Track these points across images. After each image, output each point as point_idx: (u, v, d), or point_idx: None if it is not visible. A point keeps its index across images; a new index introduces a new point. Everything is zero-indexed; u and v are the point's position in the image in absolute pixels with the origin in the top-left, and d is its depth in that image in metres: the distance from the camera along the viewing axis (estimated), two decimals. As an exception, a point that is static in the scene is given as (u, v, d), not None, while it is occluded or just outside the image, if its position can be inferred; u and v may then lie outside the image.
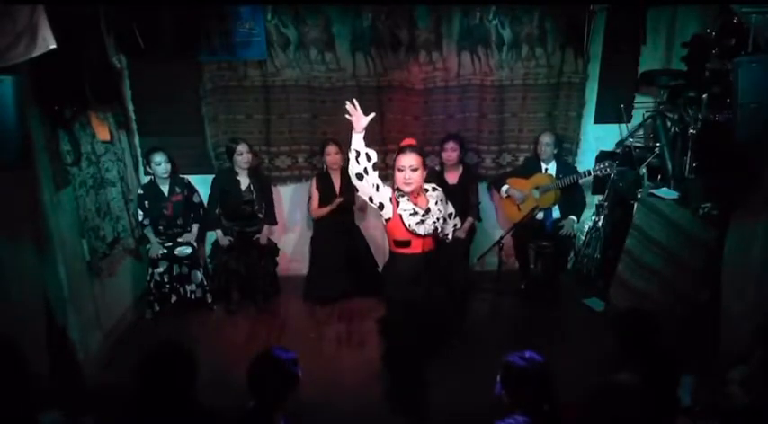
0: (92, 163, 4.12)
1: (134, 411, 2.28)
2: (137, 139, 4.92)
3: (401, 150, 3.18)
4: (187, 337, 4.39)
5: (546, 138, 4.75)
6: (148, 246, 4.62)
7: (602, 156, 5.01)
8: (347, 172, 4.82)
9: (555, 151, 4.78)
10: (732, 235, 3.39)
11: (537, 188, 4.75)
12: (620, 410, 2.03)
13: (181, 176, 4.77)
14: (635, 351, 2.58)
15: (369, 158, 3.07)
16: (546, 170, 4.81)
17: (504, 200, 4.92)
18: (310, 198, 4.98)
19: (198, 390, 2.34)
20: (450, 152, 4.74)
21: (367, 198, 3.15)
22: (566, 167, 4.84)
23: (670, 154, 4.60)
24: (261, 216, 4.80)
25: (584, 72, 4.91)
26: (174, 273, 4.67)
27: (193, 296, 4.75)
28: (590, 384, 2.20)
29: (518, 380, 2.25)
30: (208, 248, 4.94)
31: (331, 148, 4.77)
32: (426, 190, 3.29)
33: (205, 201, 4.83)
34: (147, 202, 4.63)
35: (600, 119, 5.10)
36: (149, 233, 4.63)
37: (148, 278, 4.61)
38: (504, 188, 4.84)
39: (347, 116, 3.03)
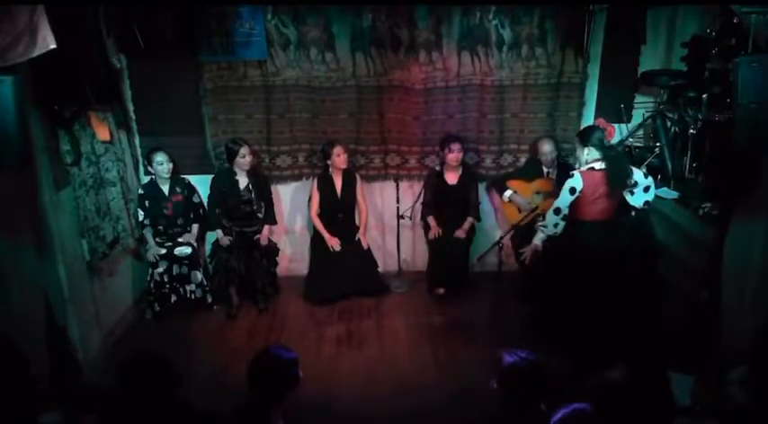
0: (92, 163, 4.12)
1: (129, 417, 2.29)
2: (137, 139, 4.92)
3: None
4: (186, 337, 4.40)
5: (546, 147, 4.74)
6: (147, 247, 4.62)
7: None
8: (349, 173, 4.90)
9: (555, 154, 4.78)
10: (732, 235, 3.39)
11: (538, 193, 4.74)
12: (611, 407, 2.03)
13: (181, 176, 4.77)
14: (626, 349, 2.60)
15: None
16: (548, 173, 4.80)
17: (504, 203, 4.92)
18: (310, 198, 4.99)
19: (193, 393, 2.35)
20: (457, 153, 4.76)
21: None
22: (568, 170, 4.82)
23: (670, 154, 4.60)
24: (260, 215, 4.79)
25: (584, 72, 4.91)
26: (174, 273, 4.66)
27: (193, 296, 4.74)
28: (583, 382, 2.21)
29: (507, 375, 2.26)
30: (208, 248, 4.94)
31: (339, 149, 4.78)
32: None
33: (205, 201, 4.83)
34: (147, 202, 4.63)
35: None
36: (148, 234, 4.62)
37: (148, 278, 4.61)
38: (508, 193, 4.82)
39: None
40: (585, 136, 3.79)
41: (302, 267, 5.23)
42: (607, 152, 3.80)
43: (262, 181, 4.84)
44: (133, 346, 4.16)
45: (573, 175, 3.75)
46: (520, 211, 4.76)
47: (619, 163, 3.78)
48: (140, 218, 4.63)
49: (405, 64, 4.82)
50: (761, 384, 2.57)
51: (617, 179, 3.72)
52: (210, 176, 4.83)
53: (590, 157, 3.76)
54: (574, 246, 3.82)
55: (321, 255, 4.92)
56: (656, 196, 4.39)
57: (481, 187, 5.17)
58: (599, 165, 3.74)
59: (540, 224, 3.89)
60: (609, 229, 3.83)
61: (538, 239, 3.95)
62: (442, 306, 4.83)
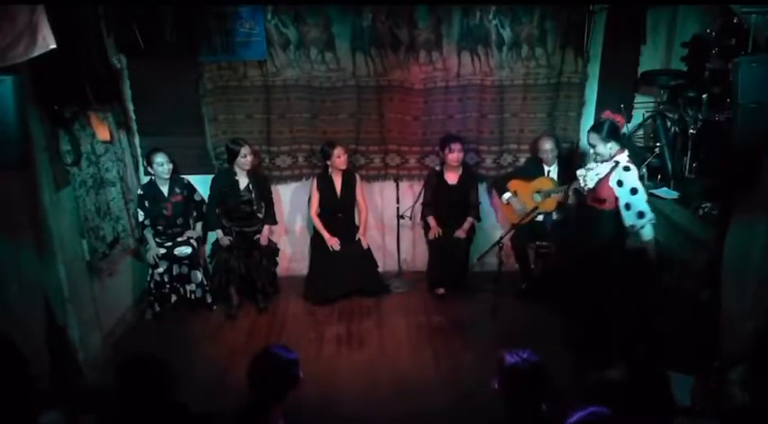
0: (92, 163, 4.12)
1: (127, 417, 2.29)
2: (137, 139, 4.92)
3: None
4: (187, 337, 4.40)
5: (547, 144, 4.74)
6: (147, 247, 4.61)
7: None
8: (349, 173, 4.90)
9: (556, 153, 4.78)
10: (732, 235, 3.39)
11: (539, 192, 4.74)
12: (611, 407, 2.03)
13: (181, 176, 4.77)
14: (625, 350, 2.60)
15: None
16: (548, 172, 4.80)
17: (503, 204, 4.93)
18: (310, 198, 4.99)
19: (193, 393, 2.34)
20: (458, 153, 4.76)
21: None
22: (568, 169, 4.83)
23: (670, 154, 4.60)
24: (260, 215, 4.80)
25: (583, 72, 4.91)
26: (174, 273, 4.67)
27: (193, 296, 4.75)
28: (582, 382, 2.21)
29: (508, 376, 2.26)
30: (208, 248, 4.94)
31: (340, 150, 4.78)
32: None
33: (206, 199, 4.82)
34: (146, 202, 4.63)
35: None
36: (148, 235, 4.62)
37: (148, 278, 4.61)
38: (506, 196, 4.82)
39: None
40: (605, 131, 3.76)
41: (302, 267, 5.22)
42: (624, 141, 3.85)
43: (262, 181, 4.83)
44: (133, 346, 4.16)
45: (629, 168, 3.70)
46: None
47: (634, 149, 3.80)
48: (140, 218, 4.63)
49: (405, 64, 4.82)
50: (761, 384, 2.57)
51: (638, 164, 3.82)
52: (210, 176, 4.83)
53: (614, 149, 3.75)
54: (616, 236, 3.81)
55: (321, 255, 4.92)
56: (656, 196, 4.40)
57: (481, 187, 5.17)
58: (627, 154, 3.76)
59: (647, 220, 3.68)
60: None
61: (650, 234, 3.73)
62: (442, 306, 4.83)
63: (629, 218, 3.69)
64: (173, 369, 2.36)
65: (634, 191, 3.67)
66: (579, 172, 4.05)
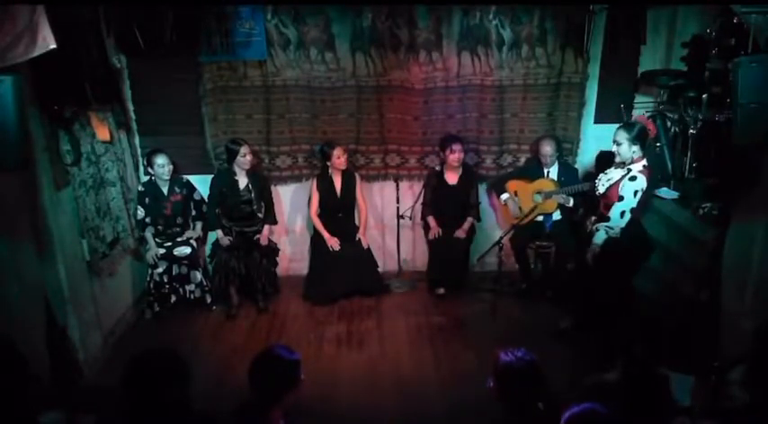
0: (92, 163, 4.12)
1: (128, 416, 2.27)
2: (137, 139, 4.92)
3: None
4: (186, 337, 4.40)
5: (547, 148, 4.73)
6: (147, 247, 4.61)
7: (602, 156, 5.01)
8: (349, 173, 4.90)
9: (556, 156, 4.78)
10: (732, 235, 3.39)
11: (539, 193, 4.74)
12: (609, 406, 2.03)
13: (180, 176, 4.77)
14: (623, 351, 2.60)
15: None
16: (548, 173, 4.80)
17: (501, 204, 4.93)
18: (310, 198, 4.98)
19: (193, 393, 2.33)
20: (459, 153, 4.76)
21: None
22: (567, 169, 4.83)
23: (670, 154, 4.60)
24: (260, 215, 4.80)
25: (584, 72, 4.90)
26: (174, 273, 4.67)
27: (192, 297, 4.75)
28: (581, 383, 2.21)
29: (503, 375, 2.26)
30: (208, 248, 4.94)
31: (339, 151, 4.79)
32: None
33: (206, 198, 4.82)
34: (146, 199, 4.62)
35: (600, 119, 5.09)
36: (149, 235, 4.62)
37: (148, 278, 4.61)
38: (504, 196, 4.84)
39: None
40: (635, 132, 3.69)
41: (302, 267, 5.23)
42: (647, 148, 3.85)
43: (261, 181, 4.83)
44: (133, 346, 4.16)
45: (636, 178, 3.65)
46: (521, 210, 4.76)
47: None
48: (140, 216, 4.62)
49: (405, 64, 4.82)
50: (761, 384, 2.57)
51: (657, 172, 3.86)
52: (210, 176, 4.83)
53: (636, 155, 3.72)
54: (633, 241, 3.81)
55: (321, 255, 4.92)
56: (657, 196, 4.40)
57: (481, 187, 5.17)
58: (646, 162, 3.74)
59: (605, 225, 3.71)
60: None
61: (599, 239, 3.74)
62: (442, 306, 4.83)
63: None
64: (188, 364, 2.34)
65: (620, 198, 3.69)
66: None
